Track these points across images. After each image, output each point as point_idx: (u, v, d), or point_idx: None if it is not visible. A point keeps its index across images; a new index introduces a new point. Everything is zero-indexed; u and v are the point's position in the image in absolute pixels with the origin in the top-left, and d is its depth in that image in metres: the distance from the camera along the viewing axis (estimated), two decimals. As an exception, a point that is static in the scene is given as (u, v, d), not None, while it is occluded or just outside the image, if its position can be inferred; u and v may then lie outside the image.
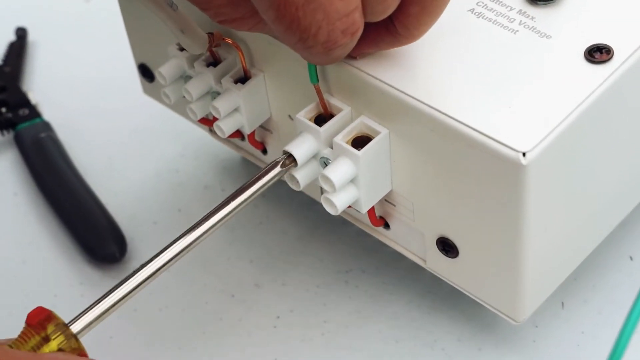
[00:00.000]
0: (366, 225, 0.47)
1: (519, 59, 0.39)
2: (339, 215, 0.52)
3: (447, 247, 0.43)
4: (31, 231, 0.56)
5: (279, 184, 0.54)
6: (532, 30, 0.40)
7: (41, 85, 0.63)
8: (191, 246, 0.40)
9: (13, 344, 0.36)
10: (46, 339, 0.36)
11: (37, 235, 0.55)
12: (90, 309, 0.38)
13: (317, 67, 0.41)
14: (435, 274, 0.45)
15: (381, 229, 0.46)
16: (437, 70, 0.40)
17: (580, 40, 0.40)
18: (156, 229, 0.54)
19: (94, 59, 0.64)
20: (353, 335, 0.49)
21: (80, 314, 0.38)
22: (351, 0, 0.36)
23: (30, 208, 0.57)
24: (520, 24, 0.41)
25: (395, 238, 0.46)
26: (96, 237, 0.53)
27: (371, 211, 0.44)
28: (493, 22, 0.41)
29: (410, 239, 0.45)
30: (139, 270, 0.39)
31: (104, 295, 0.39)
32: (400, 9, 0.37)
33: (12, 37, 0.65)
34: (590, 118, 0.38)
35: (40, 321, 0.36)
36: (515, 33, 0.40)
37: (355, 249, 0.52)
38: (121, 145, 0.59)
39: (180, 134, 0.59)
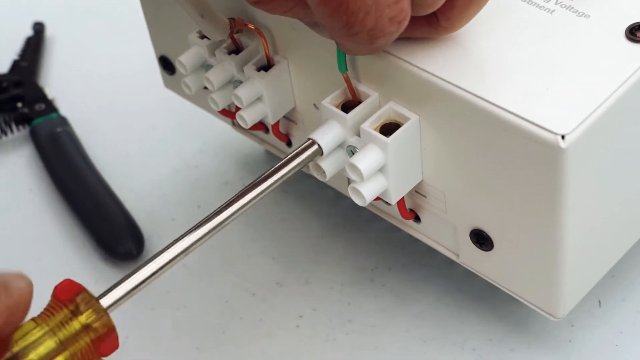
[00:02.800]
0: (396, 220, 0.45)
1: (556, 39, 0.38)
2: (365, 212, 0.51)
3: (481, 239, 0.41)
4: (46, 228, 0.54)
5: (303, 180, 0.53)
6: (570, 10, 0.38)
7: (58, 81, 0.62)
8: (220, 226, 0.38)
9: (38, 318, 0.34)
10: (75, 313, 0.34)
11: (52, 232, 0.54)
12: (120, 284, 0.36)
13: (347, 55, 0.39)
14: (469, 269, 0.43)
15: (412, 222, 0.44)
16: (469, 52, 0.38)
17: (621, 19, 0.38)
18: (175, 225, 0.53)
19: (112, 55, 0.63)
20: (379, 335, 0.47)
21: (109, 289, 0.36)
22: None
23: (46, 204, 0.55)
24: (556, 3, 0.39)
25: (426, 232, 0.44)
26: (113, 233, 0.52)
27: (401, 203, 0.42)
28: (528, 2, 0.39)
29: (443, 233, 0.43)
30: (172, 245, 0.37)
31: (134, 270, 0.36)
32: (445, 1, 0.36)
33: (29, 32, 0.64)
34: (633, 99, 0.36)
35: (70, 296, 0.34)
36: (551, 13, 0.39)
37: (382, 246, 0.50)
38: (139, 141, 0.58)
39: (201, 129, 0.57)
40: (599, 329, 0.45)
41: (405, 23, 0.35)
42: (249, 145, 0.55)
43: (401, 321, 0.47)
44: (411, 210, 0.44)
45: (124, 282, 0.37)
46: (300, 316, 0.48)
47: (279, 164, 0.40)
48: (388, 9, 0.34)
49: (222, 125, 0.54)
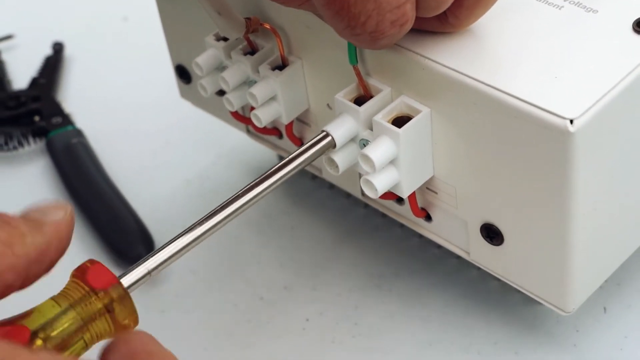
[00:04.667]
0: (408, 220, 0.45)
1: (565, 33, 0.39)
2: (373, 221, 0.52)
3: (491, 233, 0.41)
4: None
5: (313, 191, 0.54)
6: (578, 6, 0.40)
7: (75, 97, 0.63)
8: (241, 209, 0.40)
9: (57, 298, 0.34)
10: (95, 294, 0.34)
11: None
12: (141, 264, 0.37)
13: (357, 48, 0.40)
14: (480, 266, 0.43)
15: (423, 222, 0.45)
16: (479, 44, 0.39)
17: (628, 13, 0.39)
18: (186, 233, 0.53)
19: (128, 73, 0.64)
20: (385, 338, 0.47)
21: (128, 269, 0.36)
22: None
23: (59, 213, 0.56)
24: None
25: (437, 231, 0.44)
26: (124, 238, 0.52)
27: (413, 199, 0.43)
28: None
29: (454, 230, 0.43)
30: (193, 228, 0.39)
31: (154, 251, 0.38)
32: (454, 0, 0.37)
33: (49, 51, 0.65)
34: (640, 88, 0.37)
35: (103, 286, 0.34)
36: (560, 9, 0.40)
37: (389, 254, 0.50)
38: (153, 154, 0.58)
39: (214, 144, 0.58)
40: (604, 334, 0.45)
41: (408, 25, 0.37)
42: (262, 158, 0.56)
43: (407, 325, 0.47)
44: (422, 209, 0.44)
45: (141, 264, 0.37)
46: (307, 319, 0.48)
47: (294, 154, 0.41)
48: (389, 13, 0.36)
49: (236, 139, 0.55)
